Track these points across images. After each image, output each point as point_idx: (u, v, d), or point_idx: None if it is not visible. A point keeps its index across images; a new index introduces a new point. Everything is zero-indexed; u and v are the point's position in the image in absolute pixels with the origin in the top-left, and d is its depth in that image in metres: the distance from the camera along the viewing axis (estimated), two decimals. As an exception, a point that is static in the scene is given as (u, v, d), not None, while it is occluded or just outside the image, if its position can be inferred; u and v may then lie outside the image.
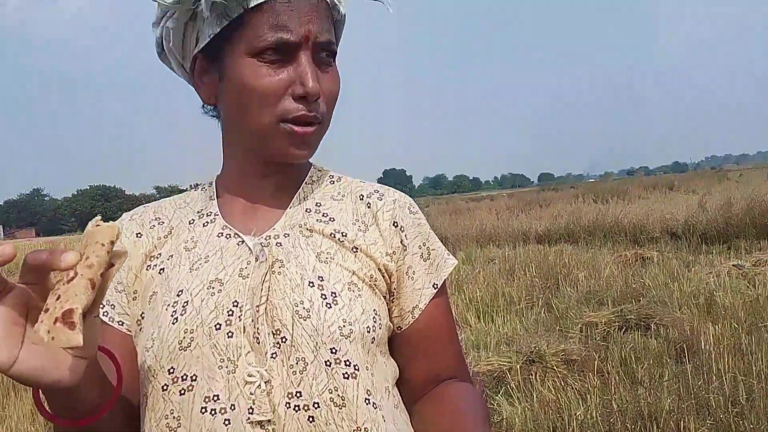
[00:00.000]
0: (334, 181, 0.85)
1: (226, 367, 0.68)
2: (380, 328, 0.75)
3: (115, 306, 0.78)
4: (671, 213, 10.06)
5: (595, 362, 3.78)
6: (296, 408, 0.67)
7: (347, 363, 0.70)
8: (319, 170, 0.87)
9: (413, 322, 0.79)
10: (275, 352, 0.69)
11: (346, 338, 0.70)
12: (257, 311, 0.70)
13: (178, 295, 0.73)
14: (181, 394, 0.69)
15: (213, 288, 0.72)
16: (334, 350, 0.69)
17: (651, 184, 22.17)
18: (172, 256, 0.78)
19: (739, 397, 3.05)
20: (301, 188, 0.83)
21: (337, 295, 0.72)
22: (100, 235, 0.52)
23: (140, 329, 0.75)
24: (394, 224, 0.79)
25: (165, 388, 0.70)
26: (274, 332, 0.69)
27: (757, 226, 8.25)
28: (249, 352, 0.69)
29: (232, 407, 0.67)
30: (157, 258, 0.78)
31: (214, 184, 0.85)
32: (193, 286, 0.73)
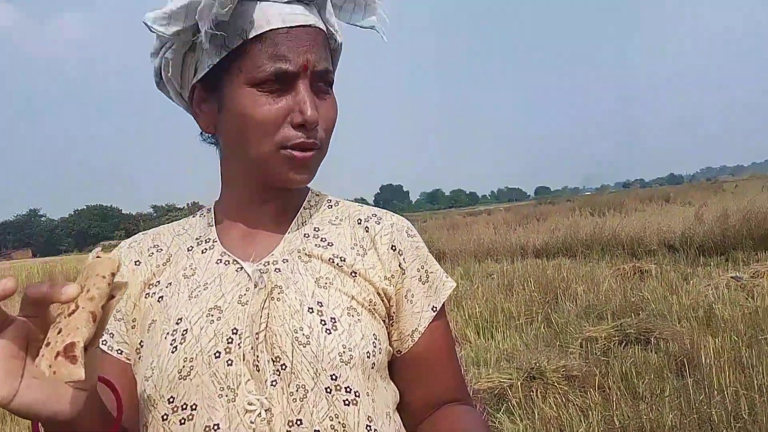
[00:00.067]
0: (332, 206, 0.85)
1: (226, 395, 0.68)
2: (380, 353, 0.74)
3: (114, 335, 0.77)
4: (668, 225, 10.08)
5: (596, 378, 3.77)
6: None
7: (348, 389, 0.70)
8: (316, 195, 0.87)
9: (413, 345, 0.78)
10: (275, 380, 0.68)
11: (346, 364, 0.70)
12: (257, 338, 0.69)
13: (177, 323, 0.72)
14: (181, 424, 0.68)
15: (212, 315, 0.72)
16: (334, 377, 0.69)
17: (647, 197, 22.25)
18: (170, 283, 0.77)
19: (741, 412, 3.03)
20: (299, 213, 0.83)
21: (336, 320, 0.72)
22: (100, 267, 0.53)
23: (139, 358, 0.75)
24: (392, 248, 0.79)
25: (165, 417, 0.69)
26: (274, 359, 0.69)
27: (754, 237, 8.27)
28: (249, 380, 0.68)
29: None
30: (156, 286, 0.78)
31: (212, 210, 0.85)
32: (192, 314, 0.73)
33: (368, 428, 0.70)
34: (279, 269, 0.75)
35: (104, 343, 0.76)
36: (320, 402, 0.68)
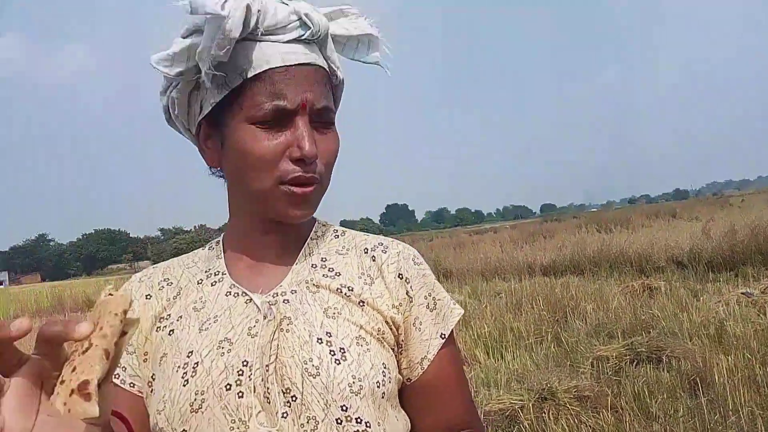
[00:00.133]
0: (338, 236, 0.86)
1: (238, 427, 0.68)
2: (390, 382, 0.74)
3: (126, 368, 0.78)
4: (676, 241, 10.01)
5: (608, 398, 3.72)
6: None
7: (358, 420, 0.70)
8: (323, 225, 0.88)
9: (422, 373, 0.78)
10: (286, 411, 0.68)
11: (356, 395, 0.70)
12: (267, 370, 0.70)
13: (188, 356, 0.73)
14: None
15: (222, 348, 0.72)
16: (344, 407, 0.69)
17: (653, 212, 22.13)
18: (181, 317, 0.78)
19: (757, 432, 2.98)
20: (306, 244, 0.84)
21: (345, 350, 0.72)
22: (113, 304, 0.53)
23: (152, 391, 0.75)
24: (399, 276, 0.80)
25: None
26: (284, 391, 0.69)
27: (762, 252, 8.19)
28: (260, 411, 0.68)
29: None
30: (167, 319, 0.79)
31: (221, 242, 0.86)
32: (203, 347, 0.73)
33: None
34: (287, 300, 0.76)
35: (117, 376, 0.77)
36: None
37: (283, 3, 0.75)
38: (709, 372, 3.85)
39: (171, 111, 0.81)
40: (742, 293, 6.10)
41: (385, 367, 0.74)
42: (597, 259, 9.90)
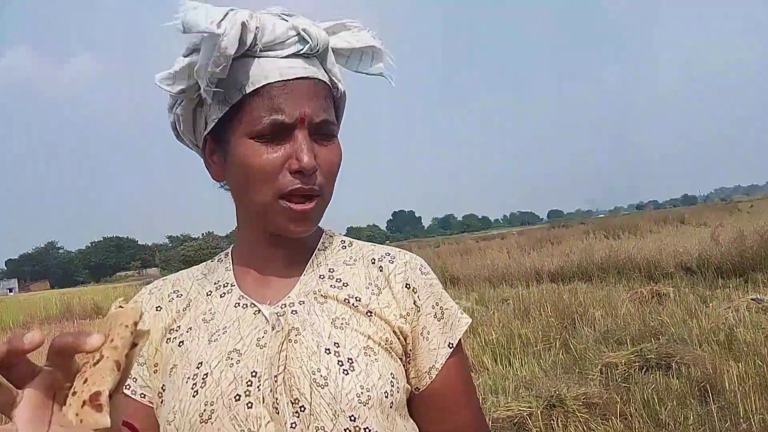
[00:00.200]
0: (345, 246, 0.87)
1: None
2: (398, 392, 0.75)
3: (137, 379, 0.79)
4: (684, 247, 9.95)
5: (618, 405, 3.69)
6: None
7: (367, 430, 0.70)
8: (330, 236, 0.88)
9: (430, 382, 0.78)
10: (294, 422, 0.69)
11: (365, 405, 0.70)
12: (275, 381, 0.70)
13: (197, 367, 0.74)
14: None
15: (232, 359, 0.73)
16: (353, 418, 0.69)
17: (661, 218, 22.05)
18: (191, 328, 0.79)
19: (768, 440, 2.95)
20: (314, 255, 0.84)
21: (353, 361, 0.72)
22: (123, 317, 0.54)
23: (162, 402, 0.76)
24: (406, 286, 0.80)
25: None
26: (293, 401, 0.69)
27: (772, 258, 8.13)
28: (269, 422, 0.69)
29: None
30: (177, 331, 0.80)
31: (230, 254, 0.87)
32: (212, 358, 0.74)
33: None
34: (296, 311, 0.76)
35: (127, 387, 0.78)
36: None
37: (283, 18, 0.76)
38: (719, 379, 3.82)
39: (177, 127, 0.83)
40: (751, 299, 6.06)
41: (393, 377, 0.74)
42: (605, 266, 9.86)
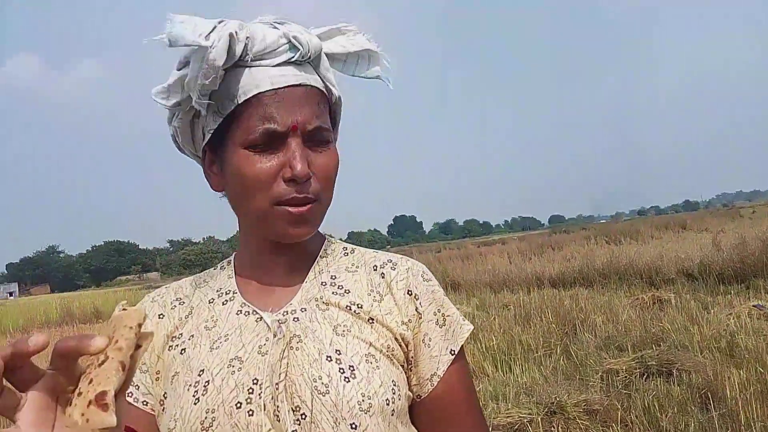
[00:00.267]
0: (347, 253, 0.87)
1: None
2: (399, 399, 0.74)
3: (139, 386, 0.79)
4: (686, 253, 9.94)
5: (618, 412, 3.68)
6: None
7: None
8: (332, 243, 0.89)
9: (432, 389, 0.78)
10: (295, 429, 0.69)
11: (366, 412, 0.70)
12: (277, 388, 0.70)
13: (199, 375, 0.74)
14: None
15: (233, 366, 0.73)
16: (354, 425, 0.69)
17: (663, 224, 22.00)
18: (193, 335, 0.79)
19: (770, 447, 2.94)
20: (315, 262, 0.84)
21: (354, 368, 0.72)
22: (127, 318, 0.55)
23: (163, 410, 0.76)
24: (408, 293, 0.80)
25: None
26: (294, 409, 0.69)
27: (774, 264, 8.11)
28: (270, 429, 0.69)
29: None
30: (179, 338, 0.80)
31: (232, 262, 0.88)
32: (214, 365, 0.74)
33: None
34: (297, 318, 0.77)
35: (130, 394, 0.78)
36: None
37: (274, 27, 0.76)
38: (720, 386, 3.81)
39: (177, 139, 0.84)
40: (753, 306, 6.05)
41: (394, 385, 0.74)
42: (606, 271, 9.84)
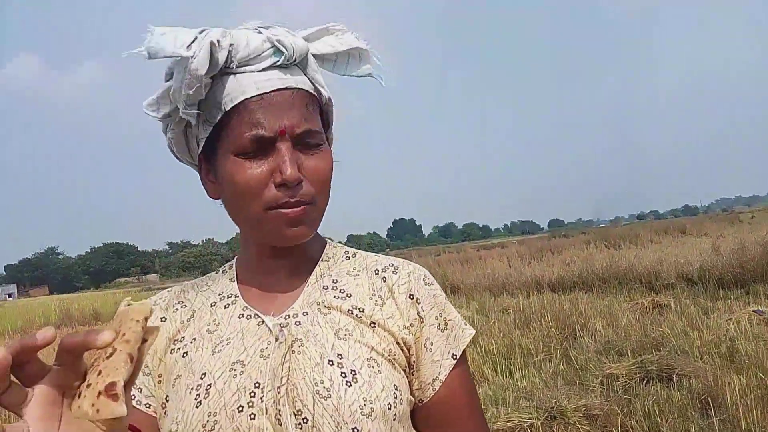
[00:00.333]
0: (349, 257, 0.87)
1: None
2: (401, 404, 0.74)
3: (142, 389, 0.79)
4: (685, 258, 9.94)
5: (618, 417, 3.67)
6: None
7: None
8: (334, 246, 0.88)
9: (434, 394, 0.78)
10: None
11: (367, 417, 0.70)
12: (278, 392, 0.70)
13: (201, 378, 0.73)
14: None
15: (235, 370, 0.73)
16: (356, 430, 0.69)
17: (662, 228, 22.02)
18: (195, 339, 0.79)
19: (771, 453, 2.93)
20: (317, 266, 0.84)
21: (356, 372, 0.72)
22: (134, 312, 0.55)
23: (165, 412, 0.76)
24: (410, 297, 0.80)
25: None
26: (296, 413, 0.69)
27: (774, 269, 8.11)
28: None
29: None
30: (181, 341, 0.80)
31: (234, 266, 0.88)
32: (216, 369, 0.74)
33: None
34: (299, 322, 0.76)
35: (132, 397, 0.77)
36: None
37: (258, 32, 0.75)
38: (720, 391, 3.80)
39: (173, 149, 0.84)
40: (753, 311, 6.04)
41: (396, 389, 0.74)
42: (606, 276, 9.84)
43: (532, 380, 4.87)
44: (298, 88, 0.75)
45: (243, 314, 0.79)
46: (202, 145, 0.78)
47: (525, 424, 3.72)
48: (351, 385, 0.70)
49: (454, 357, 0.79)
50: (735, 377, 4.02)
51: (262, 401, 0.70)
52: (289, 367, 0.72)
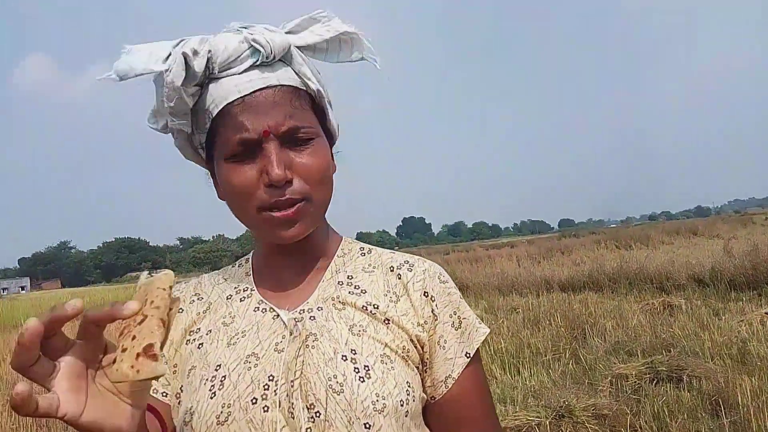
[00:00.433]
0: (364, 254, 0.87)
1: None
2: (414, 401, 0.74)
3: (158, 378, 0.80)
4: (697, 259, 9.86)
5: (627, 417, 3.66)
6: None
7: None
8: (350, 243, 0.89)
9: (446, 392, 0.78)
10: (309, 427, 0.69)
11: (380, 413, 0.70)
12: (292, 386, 0.71)
13: (216, 370, 0.74)
14: None
15: (249, 362, 0.74)
16: (368, 425, 0.69)
17: (674, 230, 21.85)
18: (210, 331, 0.80)
19: (781, 456, 2.91)
20: (332, 261, 0.85)
21: (369, 368, 0.72)
22: (159, 281, 0.58)
23: (179, 403, 0.77)
24: (424, 294, 0.80)
25: None
26: (309, 407, 0.70)
27: (787, 271, 8.03)
28: (284, 426, 0.69)
29: None
30: (197, 333, 0.81)
31: (250, 260, 0.89)
32: (231, 361, 0.74)
33: None
34: (314, 317, 0.77)
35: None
36: None
37: (239, 31, 0.75)
38: (731, 393, 3.77)
39: (184, 155, 0.85)
40: (765, 313, 5.99)
41: (409, 386, 0.74)
42: (616, 276, 9.78)
43: (541, 379, 4.86)
44: (281, 85, 0.75)
45: (258, 308, 0.80)
46: (202, 151, 0.80)
47: (533, 423, 3.71)
48: (364, 381, 0.71)
49: (468, 355, 0.80)
50: (746, 379, 3.99)
51: (275, 394, 0.71)
52: (303, 362, 0.72)
